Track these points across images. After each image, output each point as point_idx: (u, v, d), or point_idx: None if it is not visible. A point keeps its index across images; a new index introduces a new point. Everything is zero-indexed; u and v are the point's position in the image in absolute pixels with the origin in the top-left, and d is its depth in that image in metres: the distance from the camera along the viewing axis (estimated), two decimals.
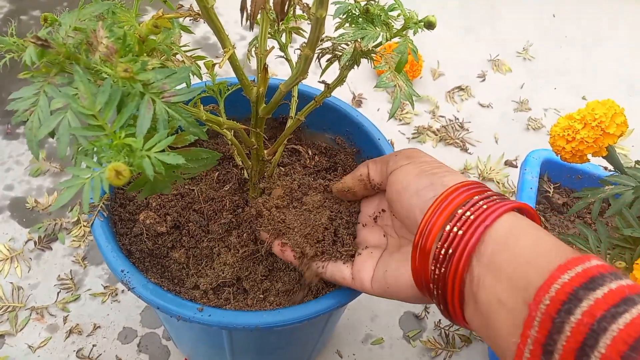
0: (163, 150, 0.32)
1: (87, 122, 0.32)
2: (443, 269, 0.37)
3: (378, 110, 1.13)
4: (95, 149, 0.32)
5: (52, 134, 0.34)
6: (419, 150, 0.47)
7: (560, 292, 0.29)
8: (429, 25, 0.43)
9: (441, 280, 0.37)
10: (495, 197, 0.38)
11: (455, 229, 0.37)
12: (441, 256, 0.37)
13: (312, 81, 0.63)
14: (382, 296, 0.45)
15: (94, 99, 0.32)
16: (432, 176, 0.42)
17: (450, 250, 0.36)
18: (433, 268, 0.38)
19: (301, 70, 0.42)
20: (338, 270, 0.48)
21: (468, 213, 0.37)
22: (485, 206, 0.37)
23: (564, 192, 0.74)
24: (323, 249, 0.50)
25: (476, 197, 0.38)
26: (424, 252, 0.38)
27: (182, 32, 0.45)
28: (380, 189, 0.50)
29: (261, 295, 0.53)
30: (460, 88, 1.20)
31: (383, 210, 0.51)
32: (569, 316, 0.29)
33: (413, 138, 1.08)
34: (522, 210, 0.39)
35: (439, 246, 0.37)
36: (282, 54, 0.57)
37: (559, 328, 0.29)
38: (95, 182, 0.31)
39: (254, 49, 0.49)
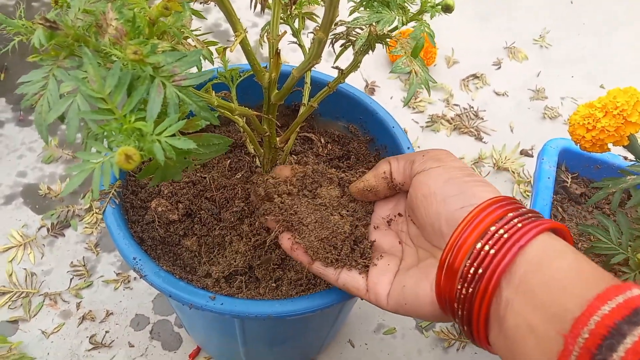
0: (174, 135, 0.32)
1: (97, 105, 0.32)
2: (471, 289, 0.35)
3: (391, 98, 1.11)
4: (105, 133, 0.32)
5: (61, 118, 0.33)
6: (449, 152, 0.45)
7: (600, 326, 0.28)
8: (447, 8, 0.41)
9: (468, 301, 0.35)
10: (530, 215, 0.36)
11: (487, 248, 0.35)
12: (469, 275, 0.35)
13: (326, 68, 0.62)
14: (397, 312, 0.42)
15: (104, 82, 0.31)
16: (463, 185, 0.40)
17: (481, 270, 0.34)
18: (460, 287, 0.36)
19: (314, 55, 0.41)
20: (352, 280, 0.45)
21: (502, 231, 0.35)
22: (520, 224, 0.35)
23: (582, 182, 0.73)
24: (339, 257, 0.46)
25: (510, 215, 0.36)
26: (451, 270, 0.36)
27: (193, 17, 0.44)
28: (401, 190, 0.47)
29: (273, 284, 0.53)
30: (475, 76, 1.18)
31: (399, 215, 0.48)
32: (611, 353, 0.27)
33: (427, 127, 1.07)
34: (557, 230, 0.36)
35: (467, 265, 0.35)
36: (295, 39, 0.56)
37: None
38: (106, 167, 0.31)
39: (265, 34, 0.48)
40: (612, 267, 0.56)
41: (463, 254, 0.36)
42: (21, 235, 0.82)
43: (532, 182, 0.85)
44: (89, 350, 0.72)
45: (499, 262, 0.34)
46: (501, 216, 0.36)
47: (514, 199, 0.38)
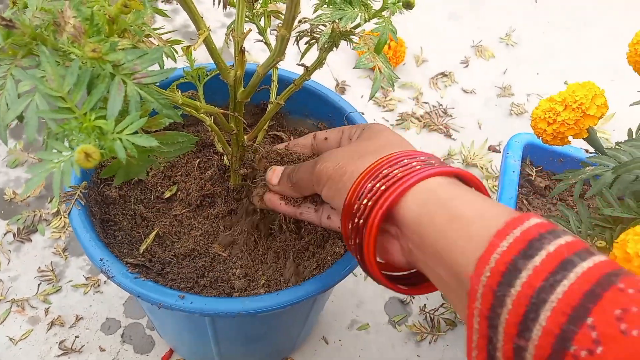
0: (135, 133, 0.32)
1: (56, 104, 0.31)
2: (362, 221, 0.37)
3: (362, 97, 1.12)
4: (65, 133, 0.32)
5: (20, 118, 0.33)
6: (387, 128, 0.47)
7: (499, 263, 0.29)
8: (408, 5, 0.42)
9: (360, 231, 0.38)
10: (434, 162, 0.38)
11: (378, 185, 0.37)
12: (361, 208, 0.37)
13: (293, 66, 0.62)
14: None
15: (62, 80, 0.31)
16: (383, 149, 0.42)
17: (370, 203, 0.37)
18: (353, 220, 0.38)
19: (278, 52, 0.41)
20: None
21: (396, 171, 0.37)
22: (418, 167, 0.37)
23: (546, 176, 0.75)
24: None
25: (408, 160, 0.38)
26: (348, 209, 0.39)
27: (159, 16, 0.44)
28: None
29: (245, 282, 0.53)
30: (443, 74, 1.20)
31: None
32: (509, 289, 0.28)
33: (397, 124, 1.08)
34: (461, 176, 0.38)
35: (359, 201, 0.38)
36: (261, 38, 0.56)
37: (501, 301, 0.29)
38: (66, 166, 0.30)
39: (231, 32, 0.48)
40: None
41: (358, 192, 0.38)
42: None
43: (499, 176, 0.87)
44: (58, 356, 0.71)
45: (387, 197, 0.36)
46: (400, 161, 0.38)
47: (429, 155, 0.40)
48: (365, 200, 0.37)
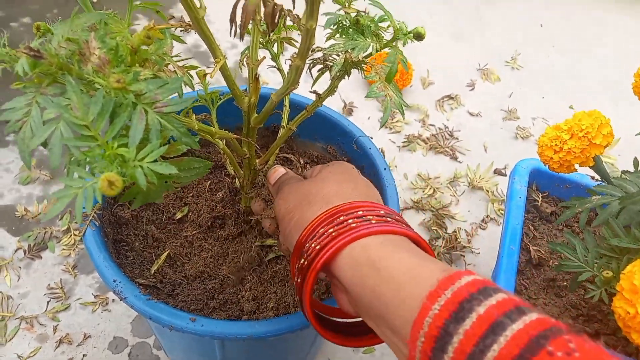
0: (155, 160, 0.32)
1: (80, 132, 0.32)
2: (300, 279, 0.39)
3: (369, 118, 1.14)
4: (87, 159, 0.33)
5: (44, 145, 0.34)
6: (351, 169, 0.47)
7: (432, 327, 0.29)
8: (418, 36, 0.43)
9: (298, 290, 0.39)
10: (371, 218, 0.38)
11: (314, 245, 0.38)
12: (301, 265, 0.38)
13: (304, 91, 0.63)
14: None
15: (87, 109, 0.32)
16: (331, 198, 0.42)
17: (305, 263, 0.38)
18: (298, 266, 0.39)
19: (292, 81, 0.42)
20: None
21: (331, 230, 0.38)
22: (354, 224, 0.37)
23: (552, 201, 0.75)
24: None
25: (344, 216, 0.38)
26: (292, 266, 0.40)
27: (173, 41, 0.45)
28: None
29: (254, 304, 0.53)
30: (449, 97, 1.21)
31: None
32: (442, 355, 0.28)
33: (403, 146, 1.09)
34: (401, 235, 0.38)
35: (302, 255, 0.39)
36: (274, 63, 0.57)
37: None
38: (88, 193, 0.31)
39: (245, 58, 0.49)
40: (581, 283, 0.58)
41: (299, 249, 0.39)
42: None
43: (505, 200, 0.88)
44: None
45: (321, 257, 0.37)
46: (337, 217, 0.39)
47: (373, 206, 0.40)
48: (302, 260, 0.39)
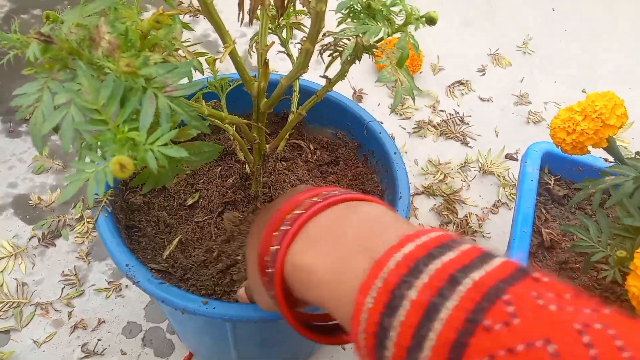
0: (166, 144, 0.33)
1: (91, 116, 0.33)
2: (271, 270, 0.35)
3: (379, 105, 1.13)
4: (99, 143, 0.33)
5: (56, 129, 0.34)
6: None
7: (369, 324, 0.27)
8: (430, 20, 0.43)
9: (270, 277, 0.36)
10: (336, 192, 0.36)
11: (283, 227, 0.35)
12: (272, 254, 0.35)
13: (314, 76, 0.63)
14: None
15: (97, 93, 0.32)
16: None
17: (277, 247, 0.35)
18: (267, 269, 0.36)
19: (302, 64, 0.42)
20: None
21: (298, 211, 0.35)
22: (319, 200, 0.35)
23: (564, 184, 0.74)
24: None
25: (314, 199, 0.35)
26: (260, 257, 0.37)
27: (182, 29, 0.45)
28: None
29: None
30: (460, 82, 1.20)
31: None
32: (383, 351, 0.27)
33: (414, 132, 1.08)
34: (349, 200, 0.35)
35: (268, 254, 0.36)
36: (283, 49, 0.57)
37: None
38: (100, 176, 0.32)
39: (254, 44, 0.49)
40: (594, 265, 0.57)
41: (265, 249, 0.36)
42: (12, 246, 0.83)
43: (517, 184, 0.87)
44: (81, 358, 0.73)
45: (288, 236, 0.34)
46: (301, 202, 0.36)
47: (338, 189, 0.37)
48: (273, 249, 0.36)
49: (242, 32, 1.25)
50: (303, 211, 0.35)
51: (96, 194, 0.55)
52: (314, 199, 0.36)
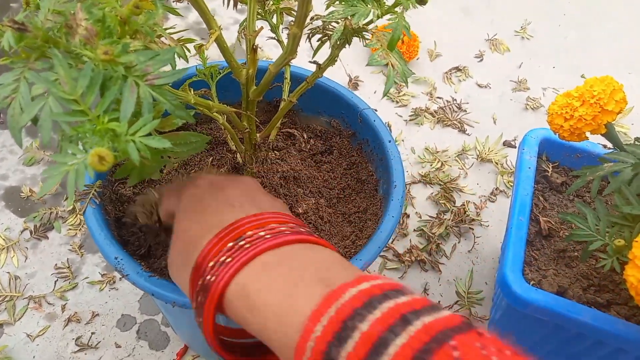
0: (149, 134, 0.31)
1: (69, 107, 0.31)
2: (210, 278, 0.35)
3: (375, 92, 1.11)
4: (79, 135, 0.32)
5: (34, 121, 0.33)
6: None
7: (315, 352, 0.27)
8: (421, 1, 0.42)
9: (205, 287, 0.36)
10: (245, 243, 0.35)
11: (209, 277, 0.35)
12: (199, 303, 0.36)
13: (306, 63, 0.62)
14: None
15: (75, 83, 0.31)
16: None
17: (200, 299, 0.35)
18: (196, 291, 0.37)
19: (290, 50, 0.41)
20: None
21: (223, 258, 0.35)
22: (229, 259, 0.35)
23: (562, 171, 0.73)
24: None
25: (231, 244, 0.35)
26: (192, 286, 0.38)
27: (172, 15, 0.44)
28: None
29: None
30: (457, 69, 1.18)
31: None
32: None
33: (410, 120, 1.07)
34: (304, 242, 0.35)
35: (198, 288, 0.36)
36: (274, 35, 0.56)
37: None
38: (80, 169, 0.30)
39: (242, 30, 0.48)
40: (592, 253, 0.57)
41: (208, 257, 0.36)
42: (4, 239, 0.82)
43: (514, 172, 0.86)
44: (75, 352, 0.72)
45: (241, 258, 0.34)
46: (223, 248, 0.36)
47: (264, 217, 0.37)
48: (198, 297, 0.36)
49: (235, 19, 1.23)
50: (263, 236, 0.35)
51: (86, 185, 0.54)
52: (261, 232, 0.36)
